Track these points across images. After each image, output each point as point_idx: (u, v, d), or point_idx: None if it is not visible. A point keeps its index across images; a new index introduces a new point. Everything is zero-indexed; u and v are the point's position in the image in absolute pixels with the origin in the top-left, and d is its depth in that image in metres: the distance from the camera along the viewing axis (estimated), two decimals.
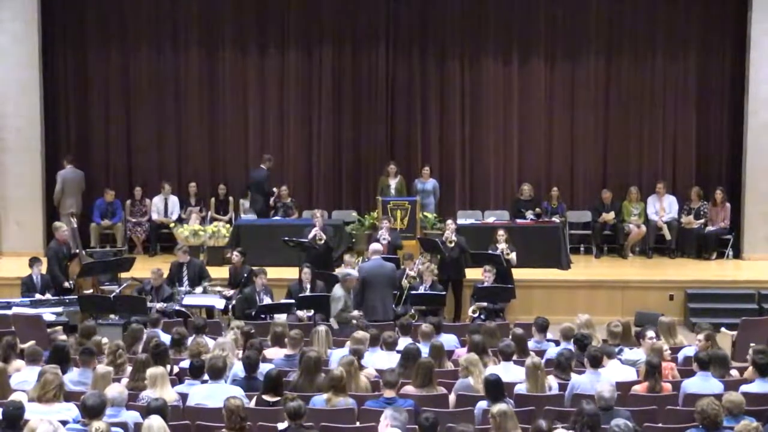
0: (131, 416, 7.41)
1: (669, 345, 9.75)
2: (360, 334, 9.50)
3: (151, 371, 8.06)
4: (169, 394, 7.94)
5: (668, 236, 15.68)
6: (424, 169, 15.90)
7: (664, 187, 15.86)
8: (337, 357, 9.21)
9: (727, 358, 9.08)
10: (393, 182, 15.69)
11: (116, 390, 7.53)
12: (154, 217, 16.00)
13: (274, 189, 15.81)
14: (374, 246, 12.34)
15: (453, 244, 13.37)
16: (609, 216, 15.73)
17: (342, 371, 8.07)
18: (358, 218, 15.62)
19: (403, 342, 9.59)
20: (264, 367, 8.60)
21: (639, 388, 8.43)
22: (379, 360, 9.06)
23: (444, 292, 12.74)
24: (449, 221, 13.90)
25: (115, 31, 16.46)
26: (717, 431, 7.05)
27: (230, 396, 7.24)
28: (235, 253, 13.41)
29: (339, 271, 12.09)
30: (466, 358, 8.57)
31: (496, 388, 7.73)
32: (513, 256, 13.33)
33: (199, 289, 12.77)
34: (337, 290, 11.53)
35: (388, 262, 12.25)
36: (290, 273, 13.34)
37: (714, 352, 8.92)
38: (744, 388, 8.17)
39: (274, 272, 13.27)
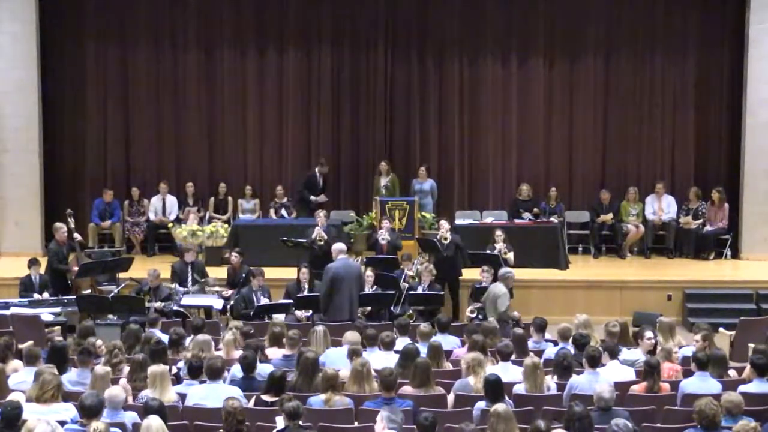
0: (129, 417, 7.41)
1: (668, 345, 9.75)
2: (351, 334, 9.52)
3: (153, 369, 8.04)
4: (169, 394, 7.93)
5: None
6: (420, 169, 15.89)
7: (664, 187, 15.87)
8: (331, 356, 9.22)
9: (726, 358, 9.08)
10: (384, 180, 15.69)
11: (115, 391, 7.54)
12: (152, 217, 15.99)
13: (317, 199, 15.38)
14: (339, 246, 12.26)
15: (447, 241, 13.40)
16: (607, 217, 15.73)
17: (336, 370, 8.08)
18: (357, 218, 15.63)
19: (401, 342, 9.59)
20: (262, 368, 8.60)
21: (637, 388, 8.43)
22: (377, 360, 9.05)
23: (442, 292, 12.76)
24: (442, 221, 13.93)
25: (114, 31, 16.45)
26: (715, 431, 7.06)
27: (229, 397, 7.24)
28: (233, 253, 13.42)
29: (501, 270, 12.18)
30: (473, 357, 8.52)
31: (495, 389, 7.73)
32: (510, 256, 13.35)
33: (196, 287, 12.79)
34: (501, 288, 11.66)
35: (354, 262, 12.27)
36: (288, 273, 13.34)
37: (712, 353, 8.92)
38: (742, 388, 8.17)
39: (272, 272, 13.27)
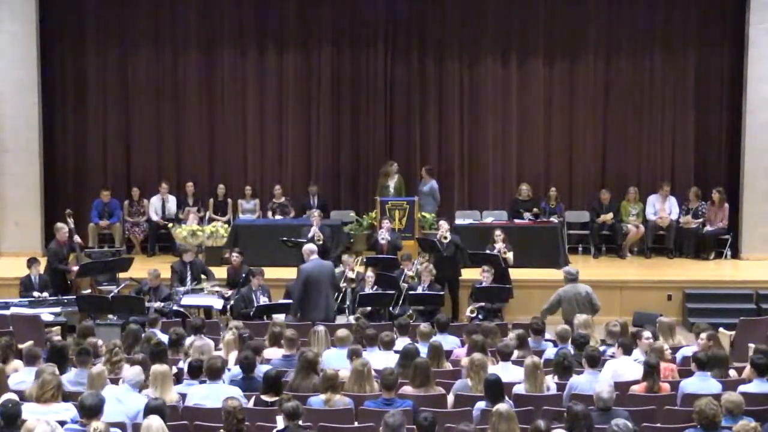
0: (142, 402, 7.44)
1: (657, 344, 9.75)
2: (342, 332, 9.52)
3: (155, 369, 8.03)
4: (171, 394, 7.93)
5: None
6: (422, 170, 15.87)
7: (669, 188, 15.88)
8: (329, 357, 9.22)
9: (727, 358, 9.05)
10: (392, 182, 15.68)
11: (133, 372, 7.70)
12: (153, 217, 15.97)
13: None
14: (309, 247, 12.26)
15: (447, 240, 13.40)
16: (608, 216, 15.72)
17: (336, 371, 8.08)
18: (357, 218, 15.62)
19: (401, 342, 9.59)
20: (262, 368, 8.59)
21: (637, 388, 8.43)
22: (377, 360, 9.05)
23: (442, 292, 12.76)
24: (442, 221, 13.93)
25: (114, 31, 16.45)
26: (715, 431, 7.05)
27: (228, 397, 7.24)
28: (234, 253, 13.43)
29: (570, 270, 12.16)
30: (472, 360, 8.48)
31: (495, 389, 7.72)
32: (510, 255, 13.34)
33: (204, 285, 12.80)
34: (585, 286, 11.84)
35: (326, 262, 12.26)
36: (288, 273, 13.36)
37: (713, 352, 8.91)
38: (742, 388, 8.17)
39: (272, 272, 13.28)
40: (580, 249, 16.16)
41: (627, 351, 9.17)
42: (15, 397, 7.53)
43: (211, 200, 16.46)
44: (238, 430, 6.98)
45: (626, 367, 8.93)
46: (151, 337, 9.60)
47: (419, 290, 12.57)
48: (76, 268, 13.15)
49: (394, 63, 16.54)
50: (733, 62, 16.03)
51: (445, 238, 13.47)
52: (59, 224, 13.73)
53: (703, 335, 9.41)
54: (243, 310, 12.07)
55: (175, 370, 8.89)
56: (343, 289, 12.64)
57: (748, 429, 6.74)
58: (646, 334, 9.69)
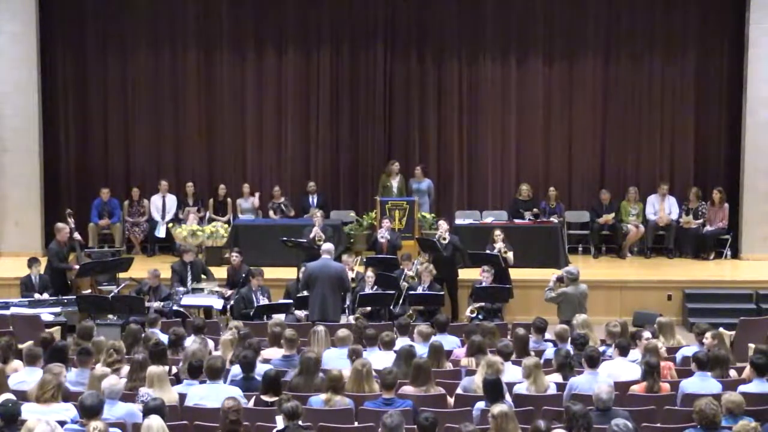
0: (126, 409, 7.42)
1: (668, 345, 9.76)
2: (343, 332, 9.52)
3: (151, 370, 8.03)
4: (169, 395, 7.92)
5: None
6: (416, 169, 15.87)
7: (668, 188, 15.88)
8: (329, 356, 9.22)
9: (728, 358, 9.05)
10: (395, 182, 15.67)
11: (110, 382, 7.57)
12: (154, 215, 15.96)
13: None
14: (326, 246, 12.28)
15: (446, 242, 13.41)
16: (609, 217, 15.72)
17: (340, 371, 8.08)
18: (357, 218, 15.63)
19: (401, 342, 9.60)
20: (262, 368, 8.59)
21: (637, 388, 8.43)
22: (377, 360, 9.05)
23: (442, 293, 12.76)
24: (441, 221, 13.94)
25: (114, 32, 16.45)
26: (715, 431, 7.06)
27: (228, 397, 7.24)
28: (234, 253, 13.44)
29: (573, 270, 12.08)
30: (490, 362, 8.40)
31: (494, 389, 7.71)
32: (510, 255, 13.35)
33: (203, 285, 12.80)
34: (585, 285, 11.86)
35: (335, 263, 12.17)
36: (288, 273, 13.36)
37: (713, 353, 8.92)
38: (742, 388, 8.17)
39: (272, 272, 13.30)
40: (580, 249, 16.16)
41: (624, 352, 9.15)
42: (14, 397, 7.53)
43: (211, 200, 16.46)
44: (232, 430, 6.97)
45: (621, 368, 8.93)
46: (150, 337, 9.60)
47: (419, 290, 12.58)
48: (76, 267, 13.16)
49: (393, 63, 16.54)
50: (733, 62, 16.02)
51: (444, 239, 13.47)
52: (59, 224, 13.72)
53: (708, 334, 9.42)
54: (243, 310, 12.08)
55: (174, 370, 8.89)
56: None
57: (748, 429, 6.74)
58: (646, 334, 9.69)
